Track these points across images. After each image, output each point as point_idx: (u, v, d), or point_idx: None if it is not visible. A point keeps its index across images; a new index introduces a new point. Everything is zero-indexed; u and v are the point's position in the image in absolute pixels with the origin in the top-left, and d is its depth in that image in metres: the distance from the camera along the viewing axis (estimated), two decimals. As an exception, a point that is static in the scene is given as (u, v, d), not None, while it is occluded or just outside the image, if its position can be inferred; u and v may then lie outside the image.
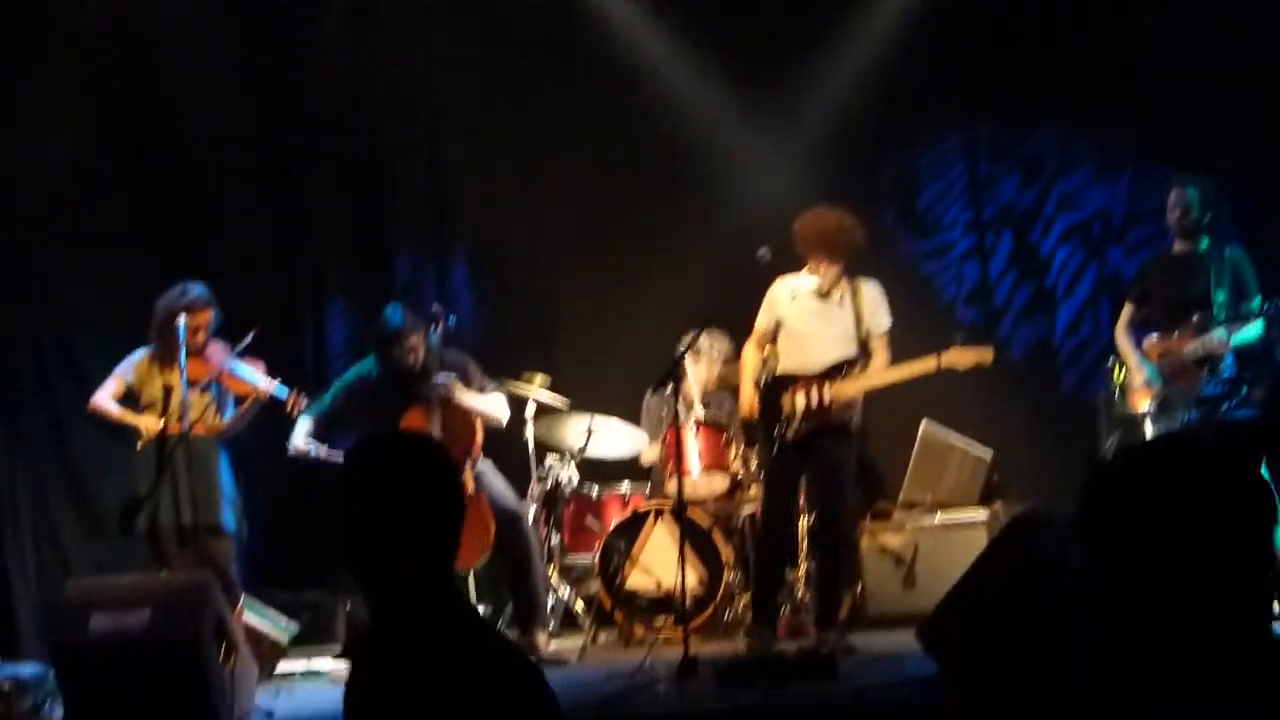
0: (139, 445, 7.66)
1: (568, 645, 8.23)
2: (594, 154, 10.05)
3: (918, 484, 8.75)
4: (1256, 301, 7.42)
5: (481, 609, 8.34)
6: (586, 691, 6.32)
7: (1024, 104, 9.69)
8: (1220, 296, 7.42)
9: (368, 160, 10.57)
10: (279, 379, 7.79)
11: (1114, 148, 9.50)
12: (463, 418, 7.88)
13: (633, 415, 9.05)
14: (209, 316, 7.68)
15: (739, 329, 7.88)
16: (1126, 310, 7.91)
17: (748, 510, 8.50)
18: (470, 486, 7.79)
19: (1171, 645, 2.08)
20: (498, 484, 8.02)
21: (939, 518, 8.46)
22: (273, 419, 7.96)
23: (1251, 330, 7.31)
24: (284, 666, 8.07)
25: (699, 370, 8.86)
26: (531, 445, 8.79)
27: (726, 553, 8.15)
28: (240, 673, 6.21)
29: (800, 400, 7.37)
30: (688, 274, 9.44)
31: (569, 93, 10.15)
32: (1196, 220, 7.54)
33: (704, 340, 8.56)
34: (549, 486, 8.78)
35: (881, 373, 7.41)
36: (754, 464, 8.38)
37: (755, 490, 8.35)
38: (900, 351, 7.49)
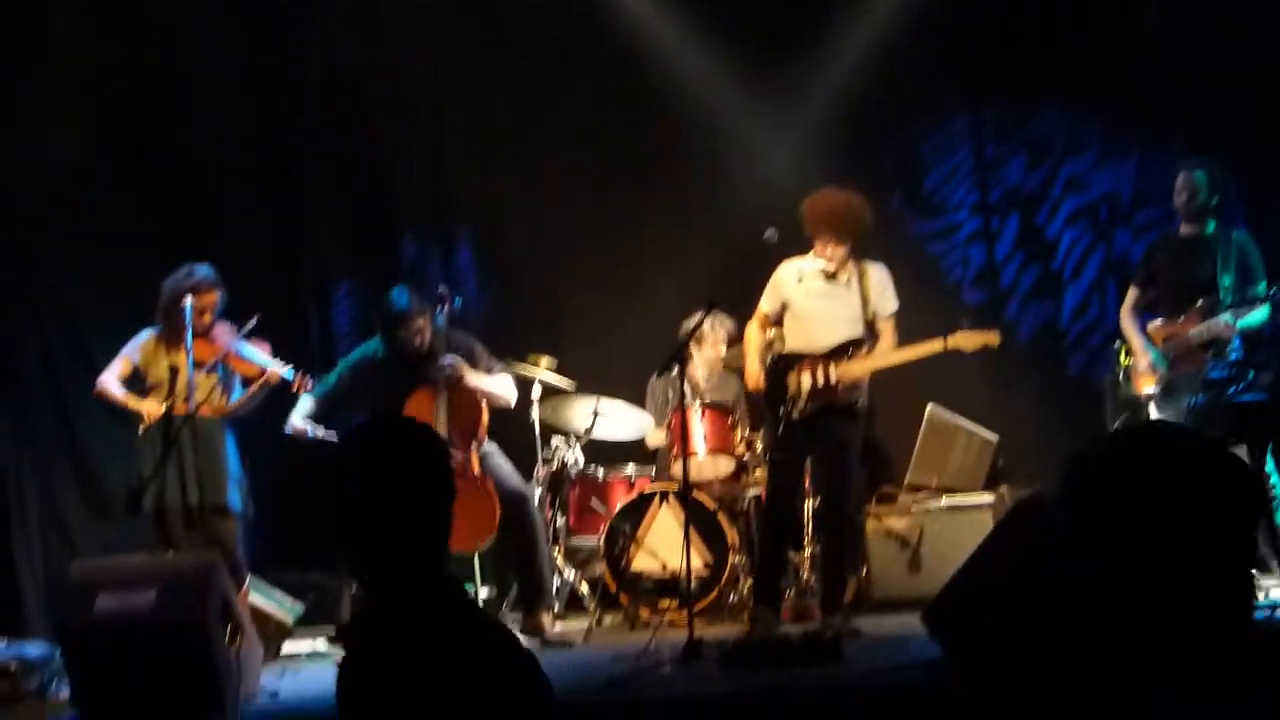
0: (141, 429, 7.66)
1: (573, 627, 8.24)
2: (600, 136, 10.03)
3: (923, 467, 8.75)
4: (1262, 286, 7.41)
5: (487, 591, 8.36)
6: (591, 674, 6.32)
7: (1031, 86, 9.68)
8: (1226, 280, 7.41)
9: (372, 143, 10.57)
10: (285, 361, 7.79)
11: (1121, 130, 9.50)
12: (469, 399, 7.88)
13: (638, 398, 9.05)
14: (215, 298, 7.69)
15: (745, 311, 7.87)
16: (1131, 293, 7.90)
17: (753, 493, 8.51)
18: (476, 468, 7.80)
19: (1149, 626, 2.08)
20: (503, 466, 8.02)
21: (945, 501, 8.45)
22: (277, 400, 7.96)
23: (1258, 315, 7.31)
24: (289, 647, 8.09)
25: (704, 353, 8.87)
26: (537, 427, 8.79)
27: (732, 535, 8.15)
28: (246, 653, 6.21)
29: (806, 379, 7.37)
30: (693, 256, 9.44)
31: (575, 76, 10.15)
32: (1204, 203, 7.53)
33: (709, 323, 8.56)
34: (554, 469, 8.79)
35: (888, 354, 7.40)
36: (759, 447, 8.39)
37: (760, 473, 8.35)
38: (906, 333, 7.48)
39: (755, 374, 7.66)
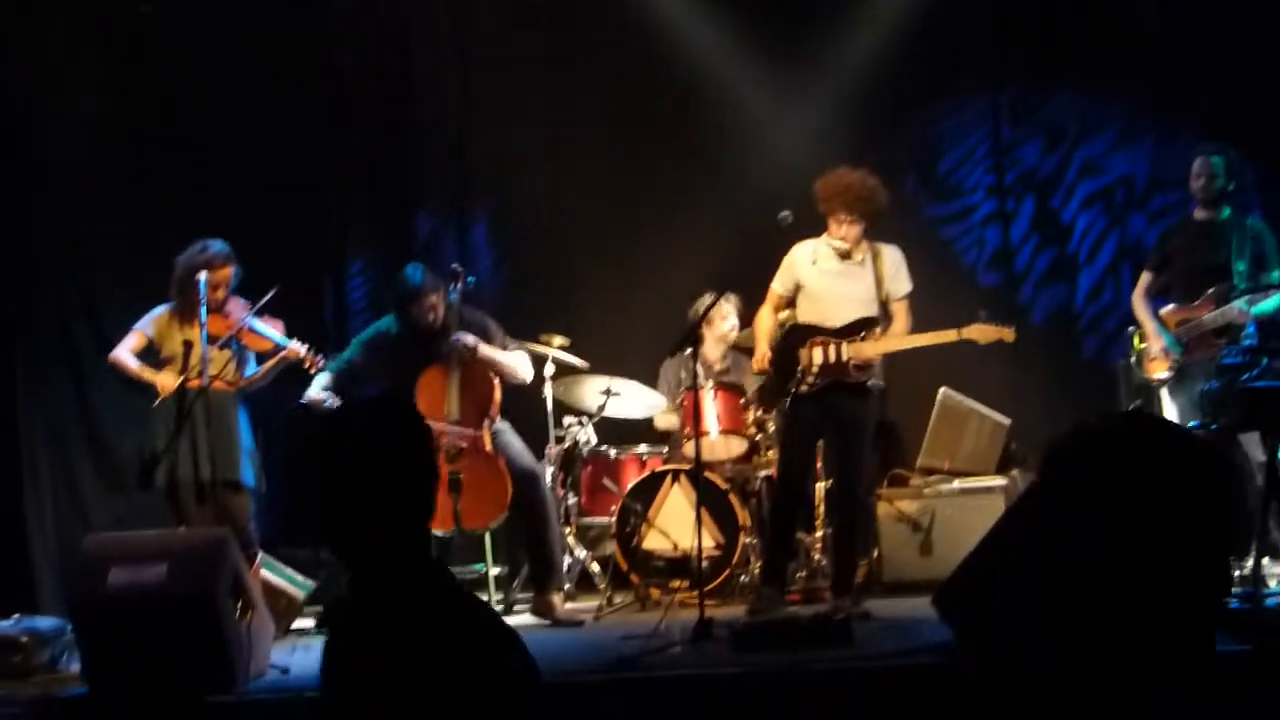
0: (156, 402, 7.67)
1: (584, 606, 8.24)
2: (615, 115, 10.02)
3: (936, 450, 8.74)
4: (1276, 274, 7.42)
5: (498, 569, 8.36)
6: (602, 653, 6.33)
7: (1048, 69, 9.65)
8: (1241, 266, 7.41)
9: (389, 121, 10.55)
10: (298, 339, 7.79)
11: (1138, 114, 9.47)
12: (482, 377, 7.88)
13: (650, 378, 9.04)
14: (229, 273, 7.70)
15: (758, 292, 7.85)
16: (1144, 277, 7.90)
17: (764, 473, 8.51)
18: (488, 445, 7.80)
19: (1124, 611, 2.08)
20: (515, 444, 8.02)
21: (957, 484, 8.44)
22: (290, 377, 7.97)
23: (1272, 301, 7.31)
24: (300, 623, 8.10)
25: (716, 333, 8.87)
26: (550, 406, 8.79)
27: (743, 516, 8.15)
28: (257, 628, 6.22)
29: (818, 354, 7.37)
30: (707, 237, 9.41)
31: (591, 54, 10.15)
32: (1220, 188, 7.53)
33: (722, 304, 8.56)
34: (567, 447, 8.79)
35: (900, 338, 7.40)
36: (771, 428, 8.38)
37: (772, 454, 8.35)
38: (921, 315, 7.48)
39: (762, 356, 7.65)
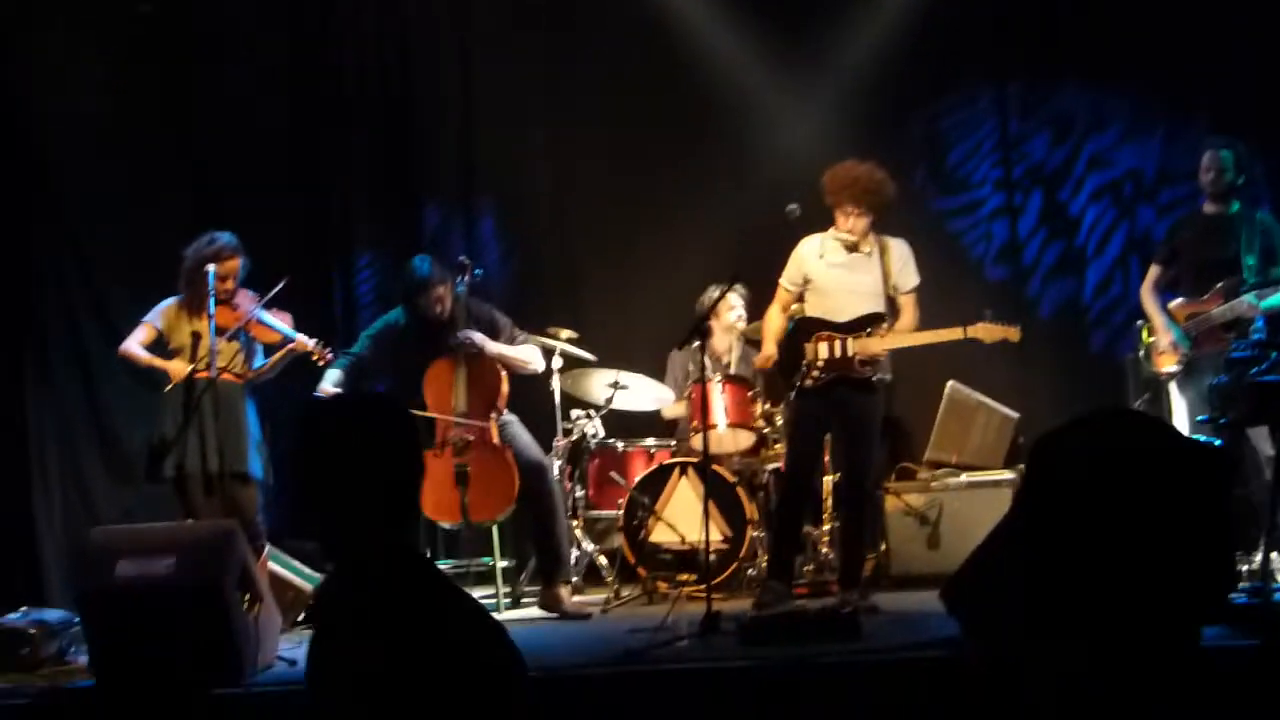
0: (167, 388, 7.69)
1: (591, 600, 8.24)
2: (622, 108, 10.01)
3: (943, 444, 8.73)
4: (1286, 268, 7.40)
5: (505, 562, 8.36)
6: (609, 646, 6.35)
7: (1056, 62, 9.64)
8: (1250, 260, 7.40)
9: (396, 113, 10.53)
10: (306, 333, 7.80)
11: (1146, 107, 9.46)
12: (489, 369, 7.89)
13: (658, 371, 9.04)
14: (237, 265, 7.71)
15: (766, 285, 7.84)
16: (1153, 270, 7.89)
17: (772, 467, 8.50)
18: (496, 438, 7.81)
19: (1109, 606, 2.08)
20: (523, 436, 8.02)
21: (964, 478, 8.43)
22: (299, 370, 7.97)
23: (1280, 297, 7.29)
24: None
25: (724, 324, 8.86)
26: (557, 398, 8.79)
27: (750, 509, 8.14)
28: (264, 621, 6.23)
29: (824, 348, 7.36)
30: (715, 230, 9.41)
31: (598, 46, 10.13)
32: (1229, 182, 7.52)
33: (730, 296, 8.55)
34: (574, 440, 8.79)
35: (907, 335, 7.38)
36: (779, 421, 8.38)
37: (780, 447, 8.34)
38: (928, 309, 7.47)
39: (767, 357, 7.65)
